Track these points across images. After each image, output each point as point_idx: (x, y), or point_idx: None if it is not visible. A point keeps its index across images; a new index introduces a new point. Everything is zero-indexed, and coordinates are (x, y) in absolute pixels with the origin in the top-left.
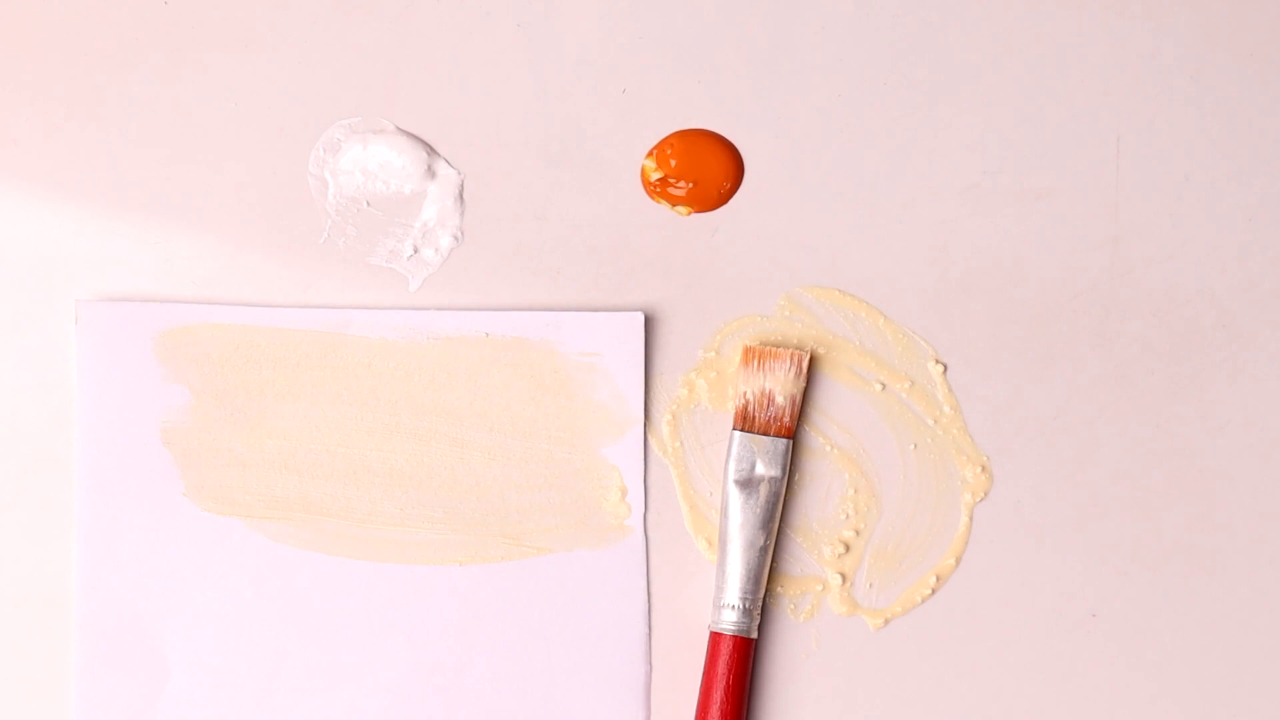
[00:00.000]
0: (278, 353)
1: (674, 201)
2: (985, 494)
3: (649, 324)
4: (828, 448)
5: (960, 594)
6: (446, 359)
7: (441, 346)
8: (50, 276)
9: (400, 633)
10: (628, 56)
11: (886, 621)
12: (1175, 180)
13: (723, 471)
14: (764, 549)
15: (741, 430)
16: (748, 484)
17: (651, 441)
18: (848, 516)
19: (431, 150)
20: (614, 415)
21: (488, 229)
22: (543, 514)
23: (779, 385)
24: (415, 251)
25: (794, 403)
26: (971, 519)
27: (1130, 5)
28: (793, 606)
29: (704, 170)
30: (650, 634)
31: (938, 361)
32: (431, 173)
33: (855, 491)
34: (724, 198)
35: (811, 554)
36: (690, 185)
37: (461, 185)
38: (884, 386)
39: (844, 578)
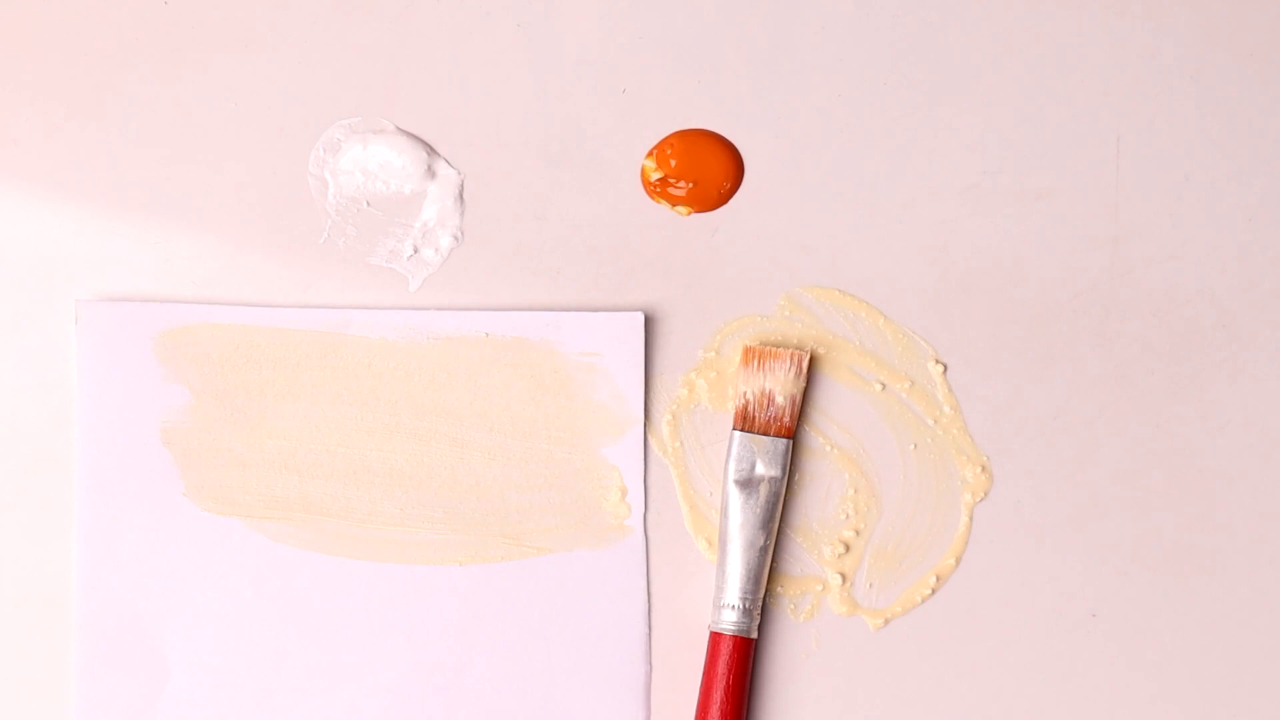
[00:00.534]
0: (278, 353)
1: (674, 201)
2: (985, 494)
3: (649, 324)
4: (828, 448)
5: (960, 594)
6: (446, 359)
7: (441, 346)
8: (50, 276)
9: (400, 633)
10: (628, 56)
11: (886, 621)
12: (1175, 180)
13: (723, 471)
14: (764, 549)
15: (741, 430)
16: (748, 484)
17: (651, 441)
18: (848, 516)
19: (431, 150)
20: (614, 415)
21: (488, 229)
22: (543, 514)
23: (779, 385)
24: (415, 251)
25: (794, 403)
26: (971, 519)
27: (1130, 5)
28: (793, 606)
29: (704, 170)
30: (650, 634)
31: (938, 361)
32: (431, 173)
33: (855, 491)
34: (724, 198)
35: (811, 554)
36: (690, 185)
37: (461, 185)
38: (884, 386)
39: (844, 578)
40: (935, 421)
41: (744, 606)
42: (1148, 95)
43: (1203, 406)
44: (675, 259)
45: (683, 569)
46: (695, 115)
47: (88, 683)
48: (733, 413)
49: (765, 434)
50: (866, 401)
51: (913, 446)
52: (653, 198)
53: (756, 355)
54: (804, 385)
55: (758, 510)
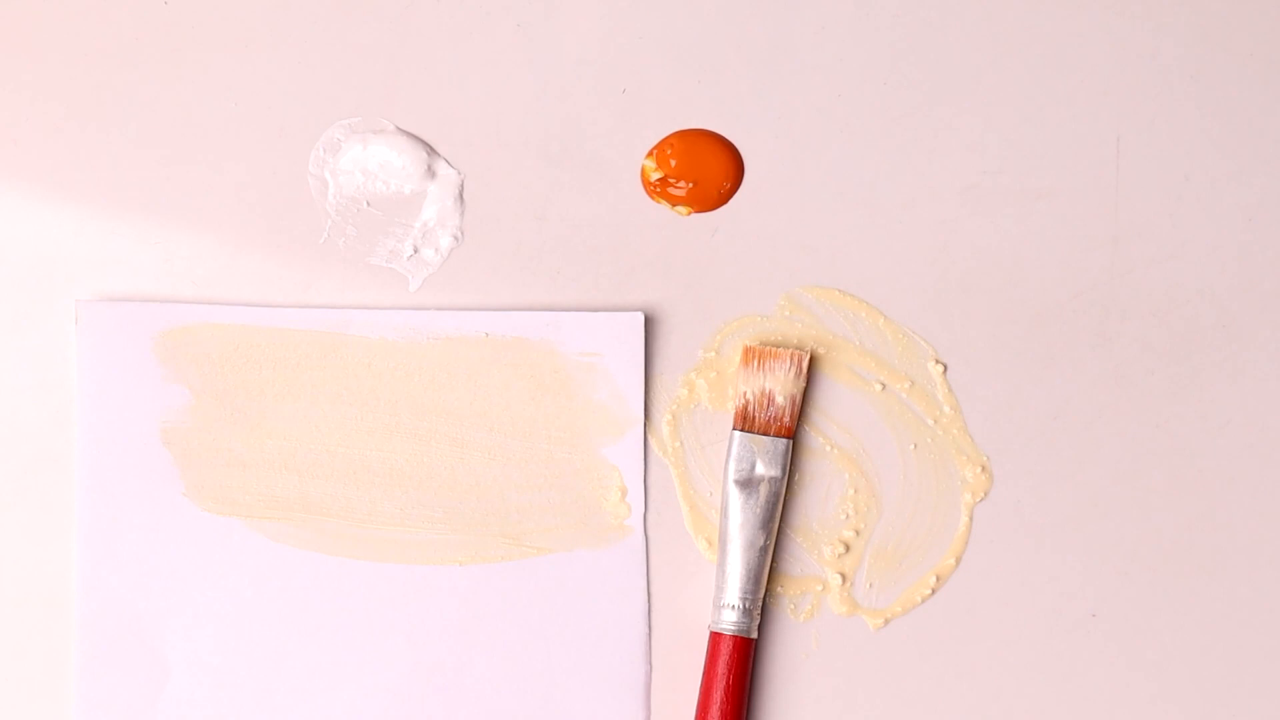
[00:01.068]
0: (278, 353)
1: (674, 201)
2: (985, 494)
3: (649, 324)
4: (828, 448)
5: (960, 594)
6: (446, 359)
7: (441, 346)
8: (50, 276)
9: (400, 633)
10: (628, 56)
11: (886, 621)
12: (1175, 180)
13: (723, 471)
14: (764, 549)
15: (741, 430)
16: (748, 484)
17: (651, 441)
18: (848, 516)
19: (431, 150)
20: (614, 415)
21: (488, 229)
22: (543, 514)
23: (779, 385)
24: (415, 251)
25: (794, 403)
26: (971, 519)
27: (1130, 5)
28: (793, 606)
29: (704, 170)
30: (650, 634)
31: (938, 361)
32: (431, 173)
33: (855, 491)
34: (724, 198)
35: (811, 554)
36: (690, 185)
37: (461, 185)
38: (884, 386)
39: (844, 578)
40: (935, 421)
41: (744, 606)
42: (1148, 95)
43: (1203, 406)
44: (675, 259)
45: (683, 569)
46: (695, 115)
47: (88, 683)
48: (733, 413)
49: (765, 434)
50: (866, 401)
51: (913, 446)
52: (653, 198)
53: (756, 355)
54: (804, 385)
55: (758, 510)
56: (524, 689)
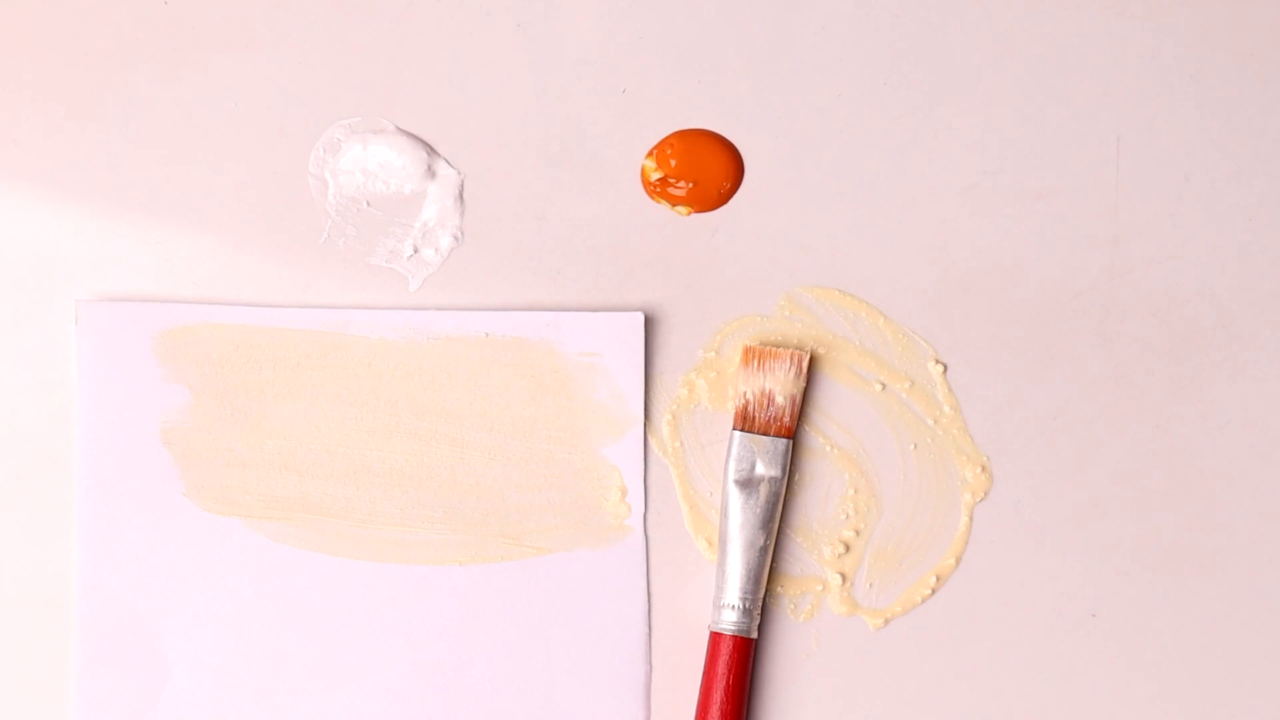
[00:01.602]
0: (278, 353)
1: (674, 201)
2: (985, 494)
3: (649, 324)
4: (828, 448)
5: (960, 594)
6: (446, 359)
7: (441, 346)
8: (50, 276)
9: (400, 633)
10: (628, 56)
11: (886, 621)
12: (1175, 180)
13: (723, 471)
14: (764, 549)
15: (741, 430)
16: (748, 484)
17: (651, 441)
18: (848, 516)
19: (431, 150)
20: (614, 415)
21: (488, 229)
22: (543, 514)
23: (779, 385)
24: (415, 251)
25: (794, 403)
26: (971, 519)
27: (1130, 5)
28: (793, 606)
29: (704, 170)
30: (650, 634)
31: (938, 361)
32: (431, 173)
33: (855, 491)
34: (724, 198)
35: (811, 554)
36: (690, 185)
37: (461, 185)
38: (884, 386)
39: (844, 578)
40: (935, 421)
41: (744, 606)
42: (1148, 95)
43: (1203, 406)
44: (675, 259)
45: (683, 569)
46: (695, 115)
47: (88, 683)
48: (733, 413)
49: (765, 434)
50: (866, 401)
51: (913, 446)
52: (653, 198)
53: (756, 355)
54: (804, 385)
55: (758, 510)
56: (524, 689)
